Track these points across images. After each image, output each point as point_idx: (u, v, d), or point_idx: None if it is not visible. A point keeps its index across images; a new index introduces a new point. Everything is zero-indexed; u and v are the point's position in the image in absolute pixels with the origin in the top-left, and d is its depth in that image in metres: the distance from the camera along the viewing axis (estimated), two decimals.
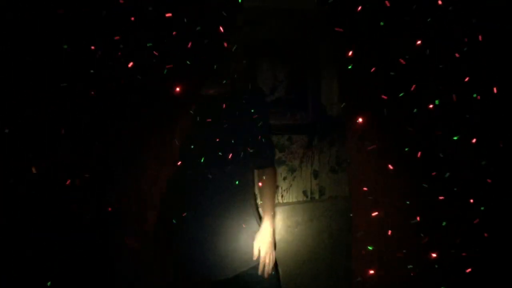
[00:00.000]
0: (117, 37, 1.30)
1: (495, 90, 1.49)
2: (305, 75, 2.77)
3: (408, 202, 1.57)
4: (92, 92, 1.30)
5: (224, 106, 1.59)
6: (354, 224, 1.75)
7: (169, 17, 1.35)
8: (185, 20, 1.37)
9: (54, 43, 1.27)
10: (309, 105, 2.77)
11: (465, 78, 1.53)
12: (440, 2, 1.50)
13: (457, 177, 1.55)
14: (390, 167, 1.60)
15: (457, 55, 1.54)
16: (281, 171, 2.71)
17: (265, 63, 2.71)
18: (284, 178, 2.72)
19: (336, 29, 1.91)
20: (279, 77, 2.72)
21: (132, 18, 1.30)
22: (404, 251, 1.57)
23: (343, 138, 2.86)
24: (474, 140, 1.55)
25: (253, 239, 1.67)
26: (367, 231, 1.66)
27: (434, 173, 1.55)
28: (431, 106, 1.56)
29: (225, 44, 1.47)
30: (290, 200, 2.75)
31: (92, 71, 1.29)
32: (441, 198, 1.54)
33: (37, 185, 1.28)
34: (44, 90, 1.29)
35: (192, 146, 1.50)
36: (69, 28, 1.28)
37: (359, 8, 1.60)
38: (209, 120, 1.53)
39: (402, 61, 1.49)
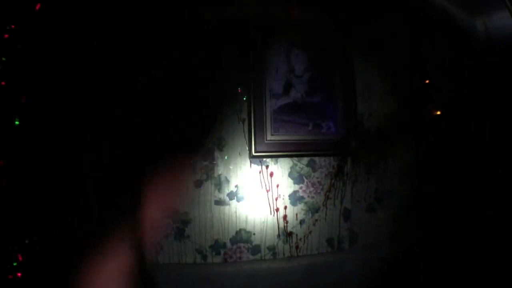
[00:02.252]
0: None
1: None
2: (334, 68, 1.86)
3: None
4: None
5: None
6: None
7: None
8: None
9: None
10: (339, 112, 1.86)
11: None
12: None
13: None
14: None
15: None
16: (297, 211, 1.80)
17: (277, 47, 1.79)
18: (301, 222, 1.82)
19: None
20: (297, 69, 1.80)
21: None
22: None
23: (385, 162, 1.97)
24: None
25: None
26: None
27: None
28: None
29: None
30: (308, 253, 1.86)
31: None
32: None
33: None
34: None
35: None
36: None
37: None
38: None
39: None
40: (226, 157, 1.70)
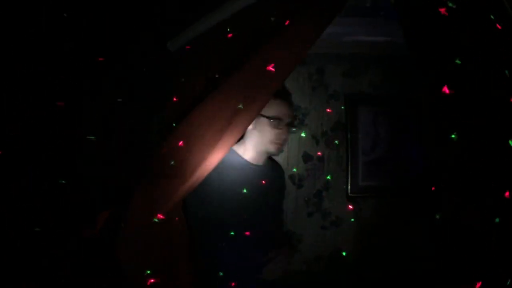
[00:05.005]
0: None
1: None
2: (407, 133, 2.51)
3: None
4: None
5: None
6: None
7: None
8: None
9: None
10: (410, 165, 2.51)
11: None
12: None
13: None
14: None
15: None
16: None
17: (365, 116, 2.45)
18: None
19: None
20: (381, 133, 2.46)
21: None
22: None
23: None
24: None
25: None
26: None
27: None
28: None
29: None
30: None
31: None
32: None
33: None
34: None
35: None
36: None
37: None
38: None
39: None
40: (330, 196, 2.38)
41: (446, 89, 1.23)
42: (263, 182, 1.73)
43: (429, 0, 1.31)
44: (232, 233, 1.60)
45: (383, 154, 2.45)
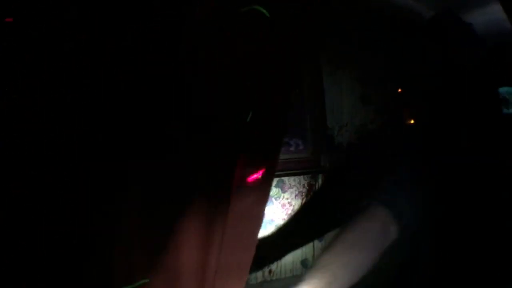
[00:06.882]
0: None
1: None
2: (302, 86, 1.82)
3: None
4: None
5: None
6: None
7: None
8: None
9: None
10: (308, 130, 1.81)
11: None
12: None
13: None
14: None
15: None
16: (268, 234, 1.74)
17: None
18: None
19: None
20: None
21: None
22: None
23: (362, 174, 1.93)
24: None
25: None
26: None
27: None
28: None
29: None
30: (282, 276, 1.80)
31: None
32: None
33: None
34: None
35: None
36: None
37: None
38: None
39: None
40: None
41: None
42: None
43: None
44: None
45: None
